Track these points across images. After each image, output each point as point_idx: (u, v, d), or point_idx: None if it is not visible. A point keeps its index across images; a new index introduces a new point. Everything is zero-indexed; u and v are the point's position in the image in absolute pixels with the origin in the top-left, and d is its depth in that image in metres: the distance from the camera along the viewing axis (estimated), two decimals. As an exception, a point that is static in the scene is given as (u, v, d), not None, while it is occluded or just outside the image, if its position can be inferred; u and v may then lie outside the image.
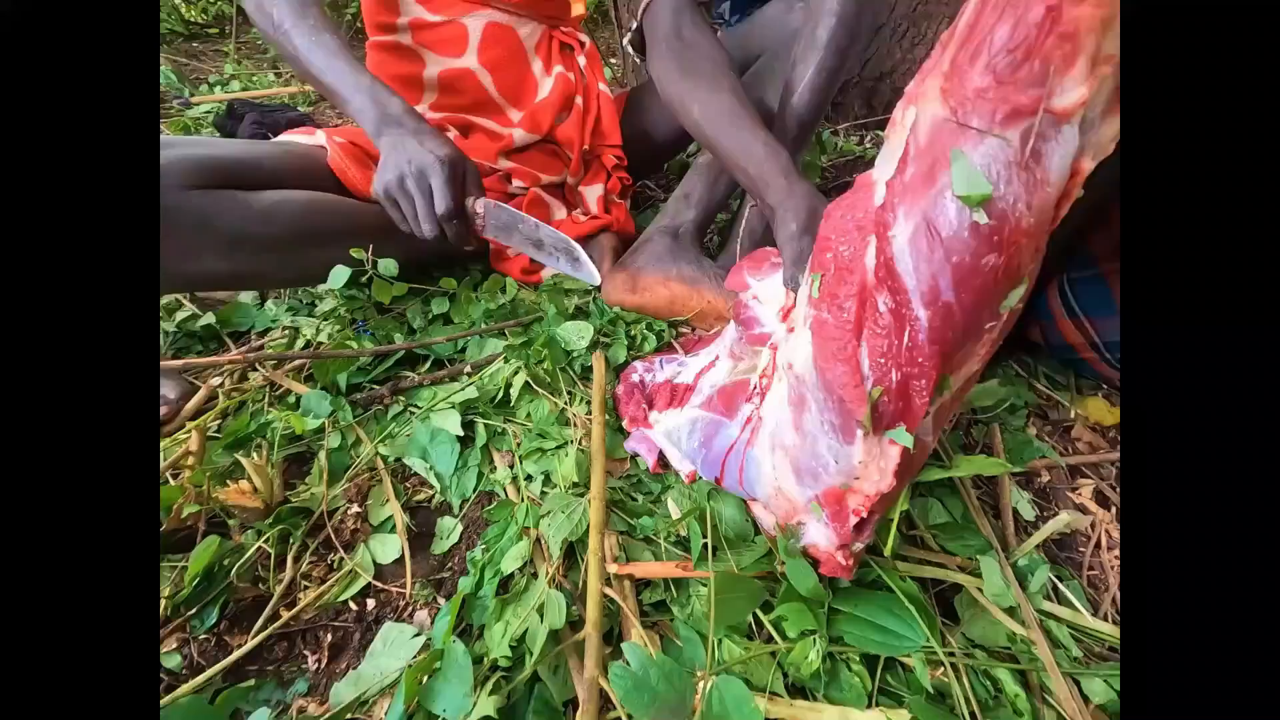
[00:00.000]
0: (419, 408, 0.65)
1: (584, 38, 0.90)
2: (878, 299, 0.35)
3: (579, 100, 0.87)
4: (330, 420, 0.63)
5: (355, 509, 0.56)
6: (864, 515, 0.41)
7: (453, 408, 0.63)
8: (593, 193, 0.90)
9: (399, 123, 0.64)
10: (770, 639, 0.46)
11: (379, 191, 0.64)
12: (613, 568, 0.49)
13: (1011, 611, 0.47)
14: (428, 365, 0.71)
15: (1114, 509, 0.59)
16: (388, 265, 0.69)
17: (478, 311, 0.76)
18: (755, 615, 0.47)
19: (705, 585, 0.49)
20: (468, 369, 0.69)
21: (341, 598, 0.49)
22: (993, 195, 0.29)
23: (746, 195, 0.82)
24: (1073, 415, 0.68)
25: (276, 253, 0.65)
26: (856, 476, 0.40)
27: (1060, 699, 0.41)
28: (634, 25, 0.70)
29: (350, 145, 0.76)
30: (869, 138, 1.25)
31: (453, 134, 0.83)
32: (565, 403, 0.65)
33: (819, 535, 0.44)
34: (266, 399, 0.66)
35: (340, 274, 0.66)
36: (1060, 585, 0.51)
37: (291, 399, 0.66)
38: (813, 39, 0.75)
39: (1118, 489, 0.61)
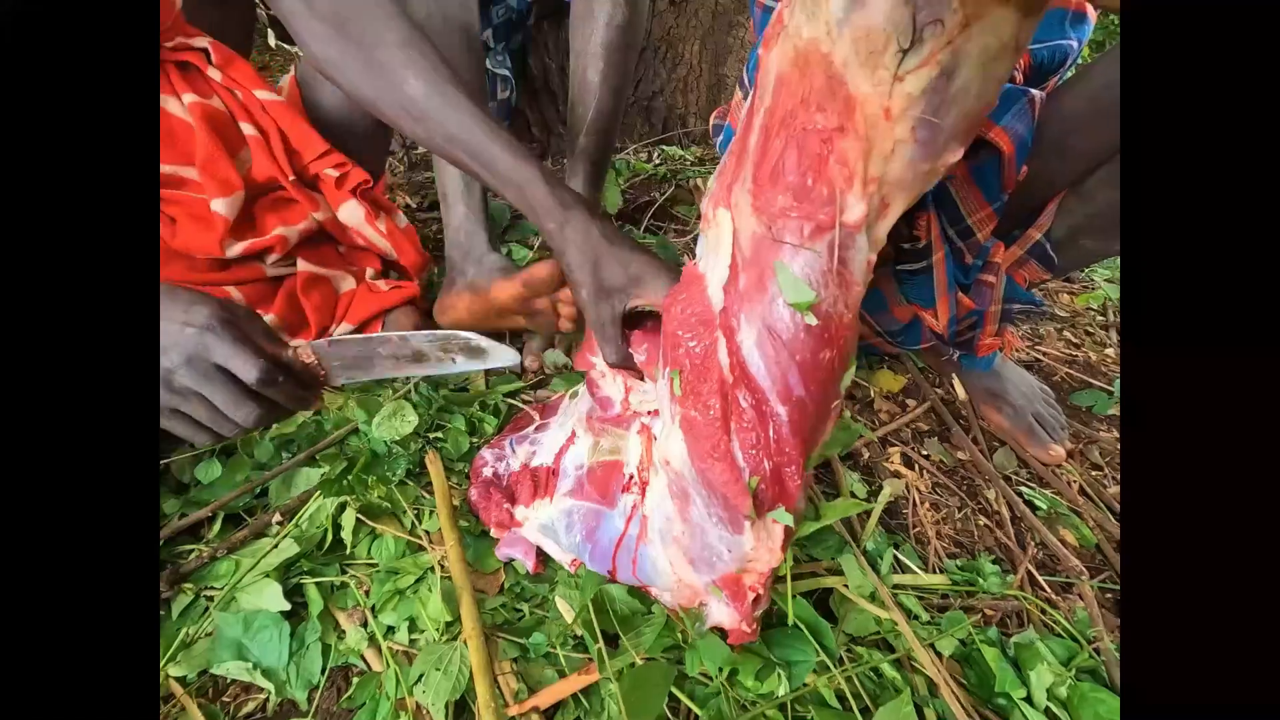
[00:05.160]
0: (217, 590, 0.51)
1: (201, 42, 0.66)
2: (738, 395, 0.37)
3: (246, 128, 0.65)
4: (81, 654, 0.46)
5: (154, 766, 0.42)
6: (760, 591, 0.43)
7: (268, 576, 0.51)
8: (353, 215, 0.70)
9: None
10: (689, 713, 0.47)
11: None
12: (513, 710, 0.44)
13: (872, 596, 0.54)
14: (217, 528, 0.56)
15: (917, 468, 0.71)
16: None
17: (265, 449, 0.62)
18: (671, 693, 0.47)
19: (615, 682, 0.47)
20: (276, 518, 0.56)
21: None
22: (817, 300, 0.33)
23: None
24: (871, 393, 0.80)
25: None
26: (750, 559, 0.42)
27: (925, 664, 0.49)
28: (262, 11, 0.57)
29: None
30: (657, 154, 1.32)
31: None
32: (413, 522, 0.57)
33: (723, 616, 0.46)
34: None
35: None
36: (899, 554, 0.59)
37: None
38: (585, 82, 0.75)
39: (916, 449, 0.74)
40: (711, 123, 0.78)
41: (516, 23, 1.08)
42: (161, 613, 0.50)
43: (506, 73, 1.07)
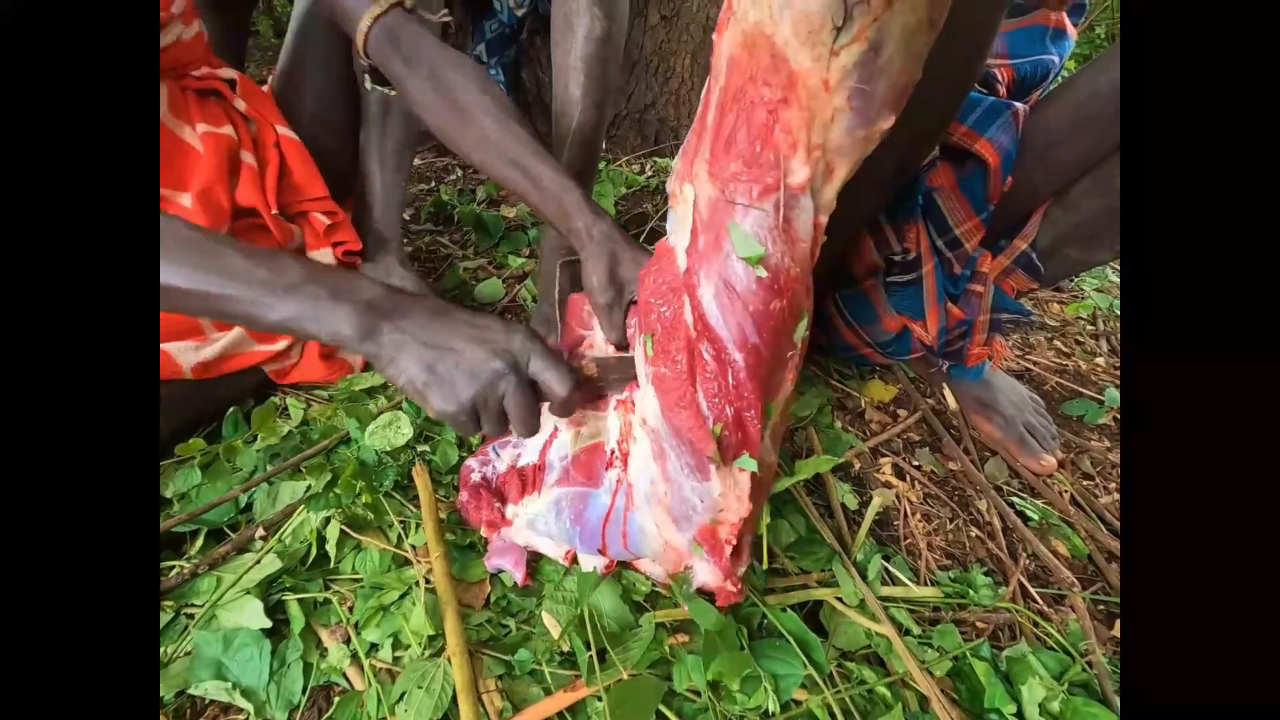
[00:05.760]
0: (197, 607, 0.50)
1: (229, 73, 0.70)
2: (701, 348, 0.40)
3: (247, 157, 0.67)
4: (55, 674, 0.45)
5: (127, 790, 0.41)
6: (734, 542, 0.45)
7: (249, 593, 0.50)
8: (324, 258, 0.72)
9: (402, 309, 0.43)
10: (678, 730, 0.46)
11: (455, 412, 0.42)
12: (499, 729, 0.44)
13: (863, 606, 0.53)
14: (200, 543, 0.56)
15: (909, 478, 0.71)
16: None
17: (249, 457, 0.61)
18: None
19: (601, 699, 0.46)
20: (260, 532, 0.55)
21: None
22: (766, 254, 0.37)
23: (551, 255, 0.80)
24: (863, 403, 0.80)
25: None
26: (721, 509, 0.45)
27: (916, 679, 0.48)
28: (363, 62, 0.61)
29: None
30: (649, 166, 1.33)
31: None
32: (400, 535, 0.57)
33: (707, 574, 0.48)
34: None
35: None
36: (890, 566, 0.59)
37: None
38: (567, 96, 0.76)
39: (907, 459, 0.73)
40: None
41: (509, 37, 1.09)
42: (139, 631, 0.49)
43: (470, 59, 1.08)
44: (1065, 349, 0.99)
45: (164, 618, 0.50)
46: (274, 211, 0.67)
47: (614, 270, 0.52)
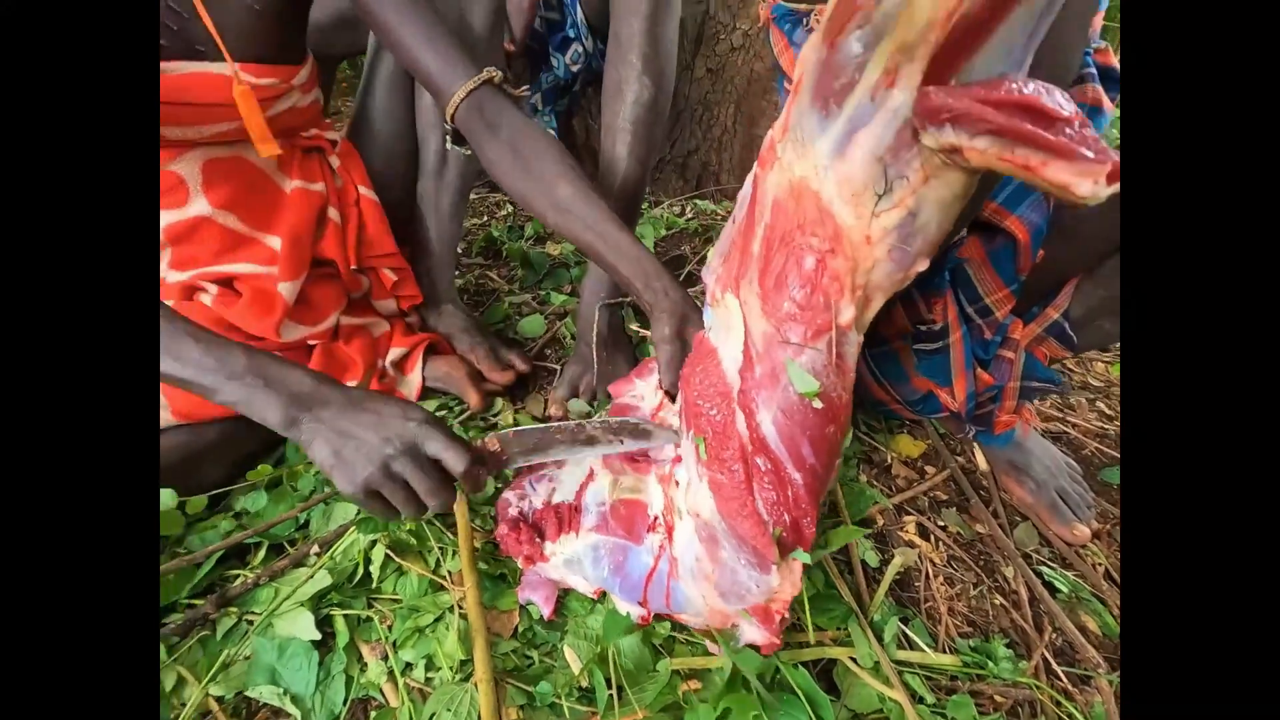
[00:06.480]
0: (257, 614, 0.56)
1: (334, 135, 0.79)
2: (757, 461, 0.44)
3: (333, 213, 0.75)
4: (136, 666, 0.51)
5: (189, 780, 0.46)
6: (785, 615, 0.49)
7: (302, 606, 0.55)
8: (386, 309, 0.83)
9: (321, 401, 0.48)
10: (686, 776, 0.48)
11: (354, 491, 0.47)
12: (518, 758, 0.46)
13: (877, 669, 0.54)
14: (262, 555, 0.62)
15: (933, 539, 0.71)
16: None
17: (310, 480, 0.67)
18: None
19: (616, 737, 0.49)
20: (315, 549, 0.61)
21: None
22: (821, 389, 0.40)
23: (592, 297, 0.85)
24: (889, 458, 0.80)
25: None
26: (775, 593, 0.48)
27: (926, 749, 0.48)
28: (448, 126, 0.67)
29: None
30: (689, 208, 1.38)
31: (213, 293, 0.67)
32: (438, 561, 0.61)
33: (754, 634, 0.52)
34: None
35: None
36: (908, 629, 0.59)
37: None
38: (614, 154, 0.81)
39: (933, 519, 0.73)
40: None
41: (563, 88, 1.17)
42: (207, 633, 0.55)
43: (551, 133, 1.16)
44: (1108, 411, 0.96)
45: (228, 623, 0.55)
46: (353, 268, 0.76)
47: (681, 328, 0.58)
